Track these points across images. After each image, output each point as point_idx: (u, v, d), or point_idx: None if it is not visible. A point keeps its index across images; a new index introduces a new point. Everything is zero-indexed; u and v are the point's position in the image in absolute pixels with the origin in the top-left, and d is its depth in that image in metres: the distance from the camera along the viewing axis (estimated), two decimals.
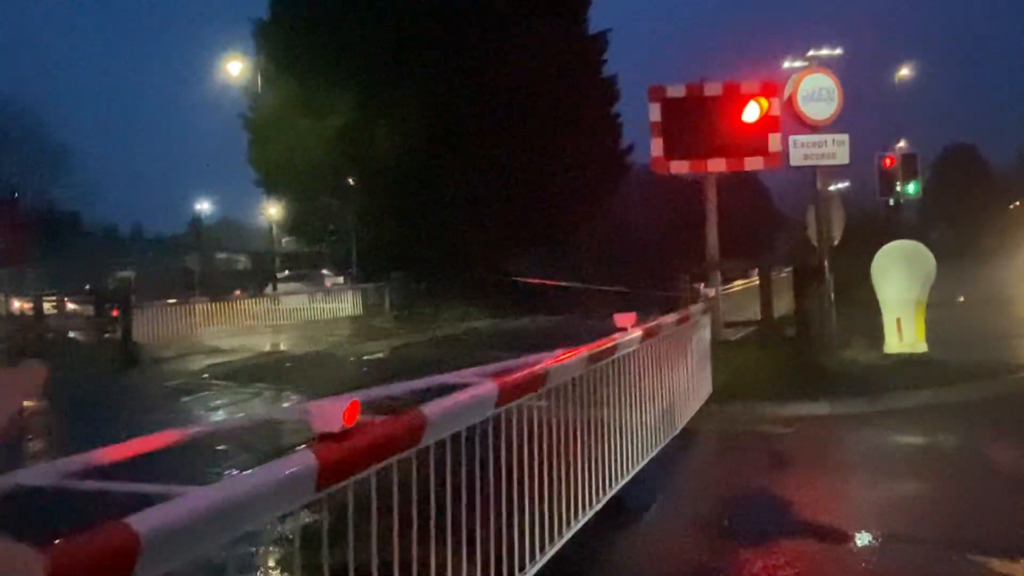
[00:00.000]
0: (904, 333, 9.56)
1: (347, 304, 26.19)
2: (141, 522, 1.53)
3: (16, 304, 24.77)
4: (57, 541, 1.40)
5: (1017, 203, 62.22)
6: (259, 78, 28.60)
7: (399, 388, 3.67)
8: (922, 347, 9.55)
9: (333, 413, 2.23)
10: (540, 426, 3.80)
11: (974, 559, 4.00)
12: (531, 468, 3.67)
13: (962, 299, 16.36)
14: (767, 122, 10.47)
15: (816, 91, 10.01)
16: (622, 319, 5.34)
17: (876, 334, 9.80)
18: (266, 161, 28.17)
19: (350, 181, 27.01)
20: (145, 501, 1.67)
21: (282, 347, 18.09)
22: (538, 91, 24.63)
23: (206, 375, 13.13)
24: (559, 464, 3.95)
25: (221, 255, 50.08)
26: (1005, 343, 10.67)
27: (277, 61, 27.06)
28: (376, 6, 25.06)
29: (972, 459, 6.19)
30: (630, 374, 5.24)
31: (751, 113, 10.40)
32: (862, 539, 4.51)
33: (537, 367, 3.83)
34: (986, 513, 4.80)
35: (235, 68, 30.06)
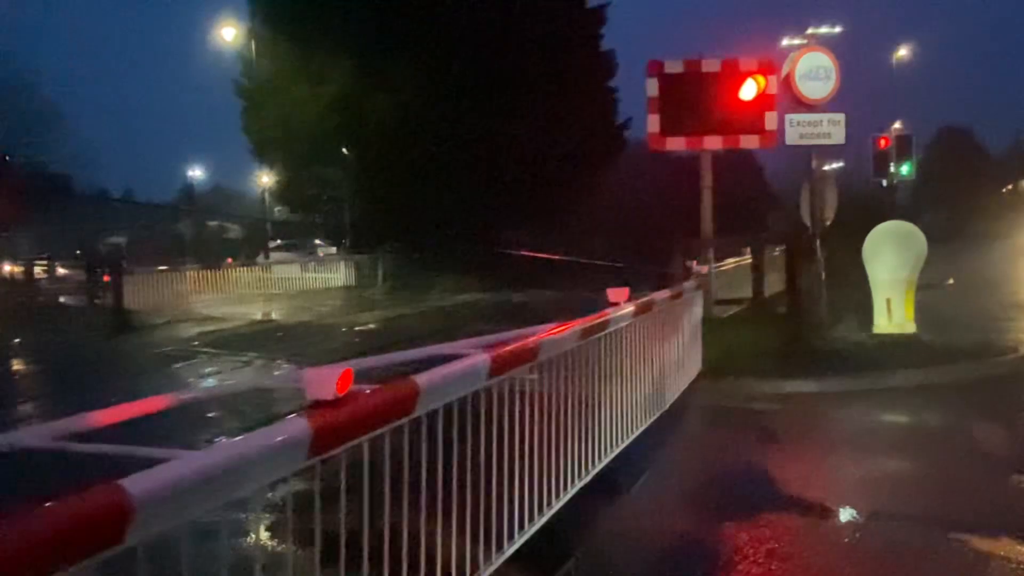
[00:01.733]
0: (893, 313, 9.62)
1: (339, 274, 26.16)
2: (134, 484, 1.55)
3: (7, 268, 24.65)
4: (51, 501, 1.41)
5: (1010, 187, 62.40)
6: (253, 44, 28.28)
7: (391, 358, 3.69)
8: (911, 328, 9.61)
9: (327, 381, 2.24)
10: (531, 399, 3.83)
11: (956, 536, 4.06)
12: (521, 440, 3.70)
13: (951, 281, 16.44)
14: (763, 100, 10.45)
15: (814, 70, 9.97)
16: (615, 294, 5.35)
17: (866, 314, 9.86)
18: (260, 129, 27.92)
19: (344, 151, 26.83)
20: (138, 464, 1.68)
21: (273, 316, 18.08)
22: (535, 63, 24.45)
23: (197, 342, 13.13)
24: (549, 437, 3.99)
25: (213, 223, 49.85)
26: (993, 325, 10.75)
27: (272, 27, 26.72)
28: None
29: (957, 438, 6.26)
30: (622, 349, 5.27)
31: (748, 91, 10.38)
32: (846, 515, 4.58)
33: (529, 340, 3.85)
34: (969, 492, 4.87)
35: (229, 33, 29.75)
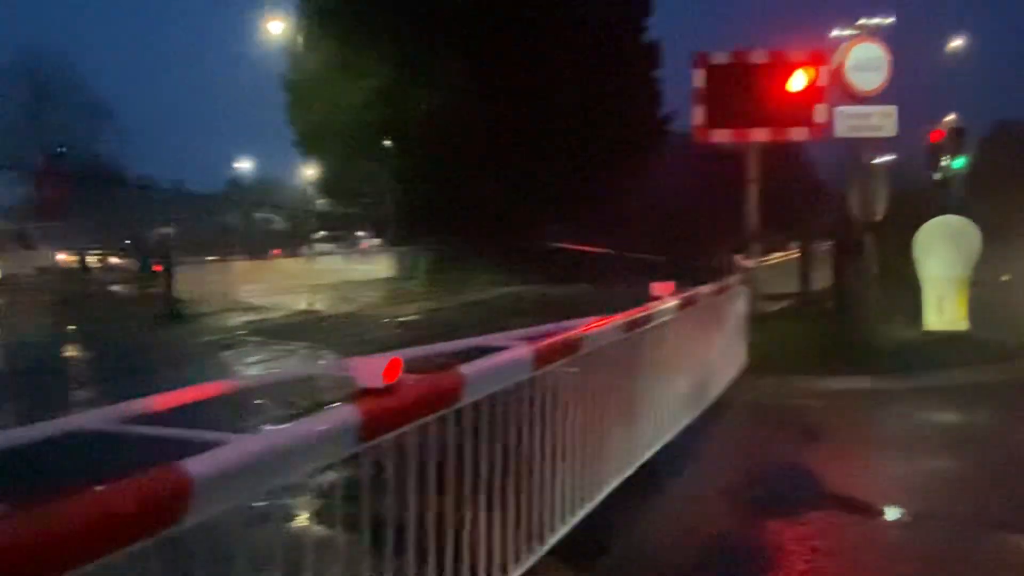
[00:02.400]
0: (945, 310, 9.42)
1: (381, 266, 26.41)
2: (195, 465, 1.60)
3: (61, 257, 25.34)
4: (116, 480, 1.47)
5: None
6: (299, 38, 28.62)
7: (435, 349, 3.72)
8: (963, 325, 9.41)
9: (375, 369, 2.28)
10: (573, 391, 3.84)
11: (1002, 537, 3.99)
12: (563, 433, 3.72)
13: (1007, 278, 16.01)
14: (813, 92, 10.27)
15: (865, 61, 9.79)
16: (659, 287, 5.33)
17: (916, 310, 9.67)
18: (304, 122, 28.30)
19: (387, 143, 27.05)
20: (195, 447, 1.73)
21: (317, 306, 18.32)
22: (578, 56, 24.36)
23: (244, 331, 13.39)
24: (591, 430, 3.99)
25: (259, 214, 50.60)
26: None
27: (318, 22, 27.03)
28: None
29: (1006, 439, 6.12)
30: (665, 343, 5.25)
31: (797, 82, 10.21)
32: (891, 514, 4.51)
33: (572, 333, 3.86)
34: (1017, 493, 4.77)
35: (276, 28, 30.10)
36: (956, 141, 14.49)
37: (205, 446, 1.71)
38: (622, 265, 21.93)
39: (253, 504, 1.96)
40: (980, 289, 10.29)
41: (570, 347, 3.77)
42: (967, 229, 9.57)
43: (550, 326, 4.02)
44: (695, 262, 14.21)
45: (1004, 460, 5.56)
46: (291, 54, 29.39)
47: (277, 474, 1.87)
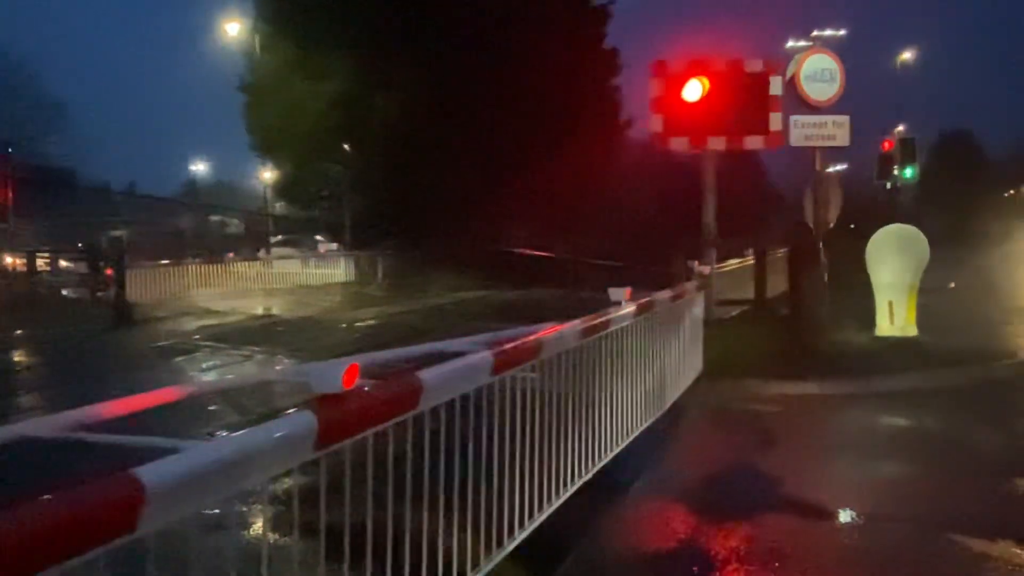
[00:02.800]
0: (896, 316, 9.63)
1: (340, 270, 26.17)
2: (147, 473, 1.57)
3: (8, 260, 24.64)
4: (64, 489, 1.44)
5: (1011, 191, 62.33)
6: (257, 40, 28.30)
7: (394, 354, 3.71)
8: (912, 331, 9.63)
9: (333, 375, 2.26)
10: (532, 397, 3.85)
11: (954, 539, 4.09)
12: (522, 437, 3.73)
13: (953, 285, 16.44)
14: (768, 101, 10.45)
15: (819, 72, 10.00)
16: (616, 293, 5.37)
17: (868, 317, 9.88)
18: (262, 124, 27.95)
19: (346, 147, 26.85)
20: (148, 455, 1.70)
21: (274, 311, 18.09)
22: (539, 61, 24.44)
23: (198, 336, 13.16)
24: (550, 434, 4.01)
25: (215, 217, 49.85)
26: (994, 329, 10.76)
27: (275, 23, 26.74)
28: None
29: (956, 442, 6.28)
30: (622, 348, 5.29)
31: (753, 91, 10.38)
32: (845, 517, 4.60)
33: (531, 338, 3.87)
34: (967, 495, 4.89)
35: (233, 29, 29.75)
36: (905, 151, 14.86)
37: (158, 453, 1.68)
38: (581, 270, 22.06)
39: (208, 511, 1.93)
40: (928, 296, 10.55)
41: (529, 352, 3.78)
42: (916, 237, 9.80)
43: (510, 331, 4.03)
44: (653, 268, 14.34)
45: (953, 463, 5.71)
46: (248, 56, 29.03)
47: (232, 482, 1.84)
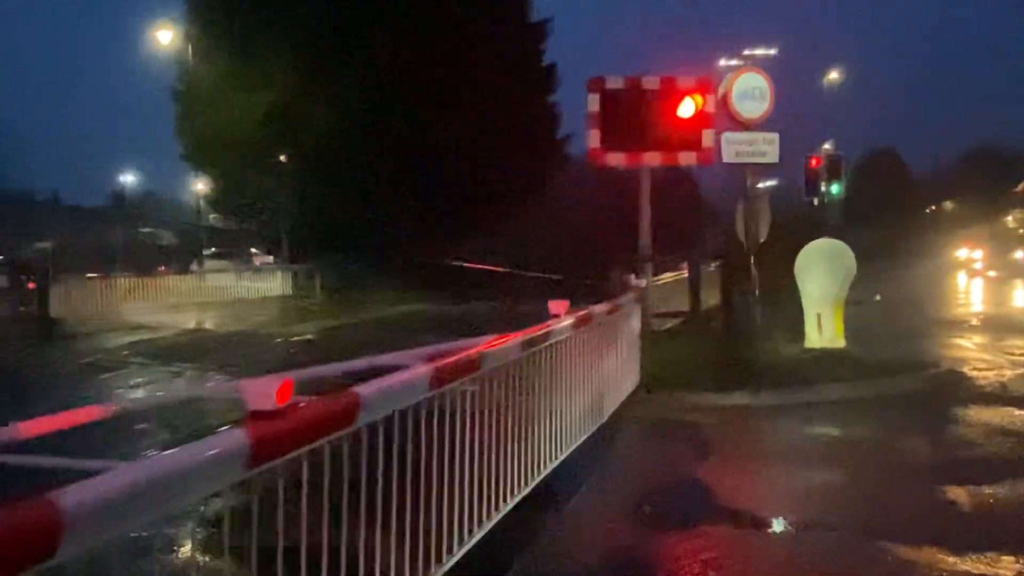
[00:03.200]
0: (824, 329, 9.89)
1: (276, 284, 25.76)
2: (66, 497, 1.50)
3: None
4: None
5: (933, 207, 64.95)
6: (190, 48, 27.71)
7: (331, 369, 3.64)
8: (840, 343, 9.89)
9: (266, 391, 2.21)
10: (472, 411, 3.83)
11: (882, 545, 4.19)
12: (462, 452, 3.70)
13: (879, 297, 17.00)
14: (701, 118, 10.64)
15: (749, 90, 10.23)
16: (556, 306, 5.39)
17: (798, 329, 10.12)
18: (195, 134, 27.35)
19: (282, 158, 26.47)
20: (70, 477, 1.63)
21: (207, 326, 17.68)
22: (477, 75, 24.54)
23: (127, 352, 12.77)
24: (489, 448, 3.99)
25: (145, 229, 48.53)
26: (918, 341, 11.16)
27: (209, 31, 26.25)
28: None
29: (883, 450, 6.46)
30: (561, 361, 5.30)
31: (686, 109, 10.56)
32: (778, 525, 4.69)
33: (471, 351, 3.85)
34: (895, 502, 5.04)
35: (165, 36, 29.05)
36: (833, 168, 15.34)
37: (81, 475, 1.61)
38: (522, 283, 22.09)
39: (133, 535, 1.86)
40: (856, 308, 10.87)
41: (469, 366, 3.76)
42: (843, 252, 10.09)
43: (448, 344, 4.00)
44: (590, 281, 14.46)
45: (881, 471, 5.87)
46: (181, 64, 28.39)
47: (160, 503, 1.77)
